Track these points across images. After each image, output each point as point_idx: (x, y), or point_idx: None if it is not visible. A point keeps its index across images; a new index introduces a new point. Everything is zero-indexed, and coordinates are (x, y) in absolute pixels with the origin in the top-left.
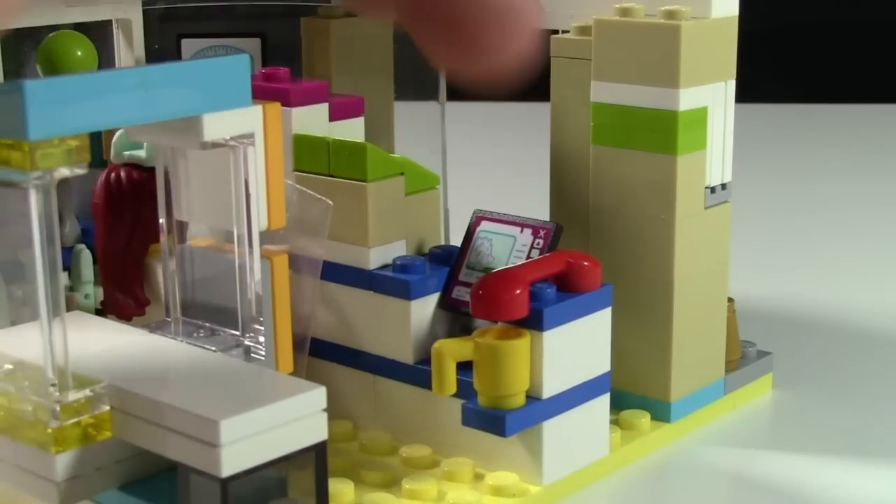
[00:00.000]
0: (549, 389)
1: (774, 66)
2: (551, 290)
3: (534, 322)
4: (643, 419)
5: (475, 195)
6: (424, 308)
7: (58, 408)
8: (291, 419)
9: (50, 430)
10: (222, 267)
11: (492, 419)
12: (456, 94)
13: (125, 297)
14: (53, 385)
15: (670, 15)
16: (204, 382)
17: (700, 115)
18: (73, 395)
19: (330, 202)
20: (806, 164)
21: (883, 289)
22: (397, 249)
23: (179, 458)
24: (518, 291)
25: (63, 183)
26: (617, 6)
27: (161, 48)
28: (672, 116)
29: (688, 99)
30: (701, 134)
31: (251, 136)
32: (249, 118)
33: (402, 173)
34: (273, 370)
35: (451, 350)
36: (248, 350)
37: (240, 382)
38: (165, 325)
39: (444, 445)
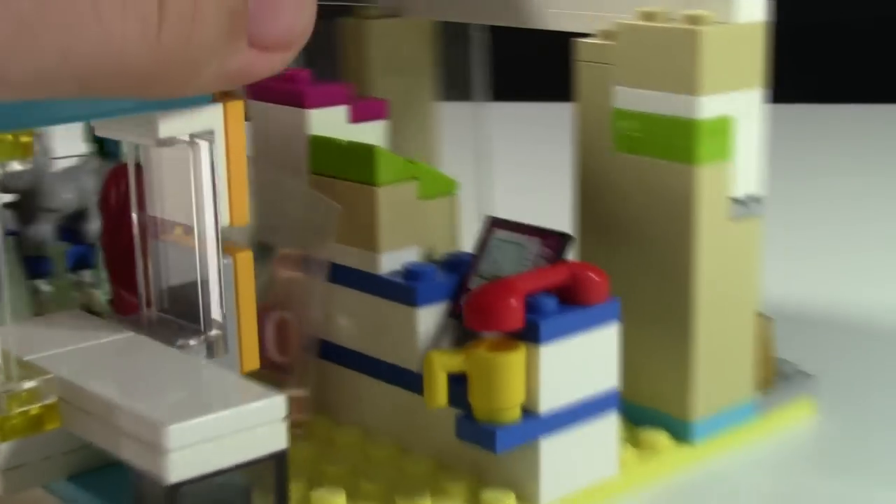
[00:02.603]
0: (546, 405)
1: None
2: (552, 302)
3: (530, 334)
4: (660, 438)
5: (502, 198)
6: (432, 316)
7: (4, 397)
8: (247, 426)
9: None
10: (191, 262)
11: (483, 434)
12: (500, 94)
13: (131, 296)
14: None
15: (691, 20)
16: (163, 384)
17: (723, 125)
18: (19, 385)
19: (337, 205)
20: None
21: None
22: (409, 255)
23: (131, 460)
24: (512, 301)
25: (88, 181)
26: (639, 10)
27: None
28: (692, 125)
29: (709, 107)
30: (724, 144)
31: (211, 133)
32: (208, 116)
33: (416, 178)
34: (237, 374)
35: (443, 361)
36: (210, 346)
37: (199, 385)
38: (138, 319)
39: (447, 456)
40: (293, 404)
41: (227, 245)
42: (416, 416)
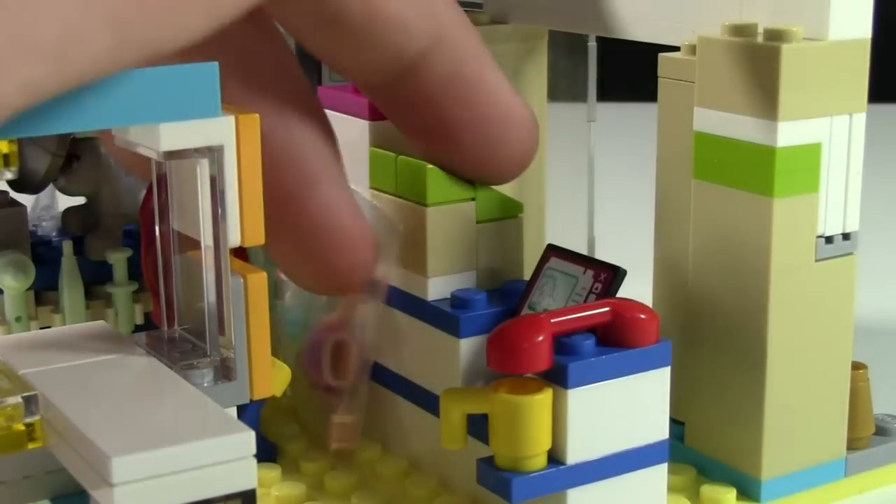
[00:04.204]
0: (575, 454)
1: None
2: (589, 343)
3: (559, 377)
4: (726, 496)
5: (605, 206)
6: (476, 347)
7: None
8: (208, 462)
9: None
10: (202, 281)
11: (500, 482)
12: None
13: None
14: None
15: (776, 35)
16: (136, 411)
17: (808, 153)
18: (4, 400)
19: (399, 226)
20: None
21: None
22: (465, 281)
23: (89, 490)
24: (536, 340)
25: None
26: (728, 23)
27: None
28: (769, 152)
29: (790, 133)
30: (809, 175)
31: (220, 147)
32: (217, 129)
33: (473, 198)
34: (214, 404)
35: (460, 401)
36: (217, 370)
37: (171, 415)
38: (158, 336)
39: (485, 496)
40: (341, 430)
41: (240, 265)
42: (458, 452)
